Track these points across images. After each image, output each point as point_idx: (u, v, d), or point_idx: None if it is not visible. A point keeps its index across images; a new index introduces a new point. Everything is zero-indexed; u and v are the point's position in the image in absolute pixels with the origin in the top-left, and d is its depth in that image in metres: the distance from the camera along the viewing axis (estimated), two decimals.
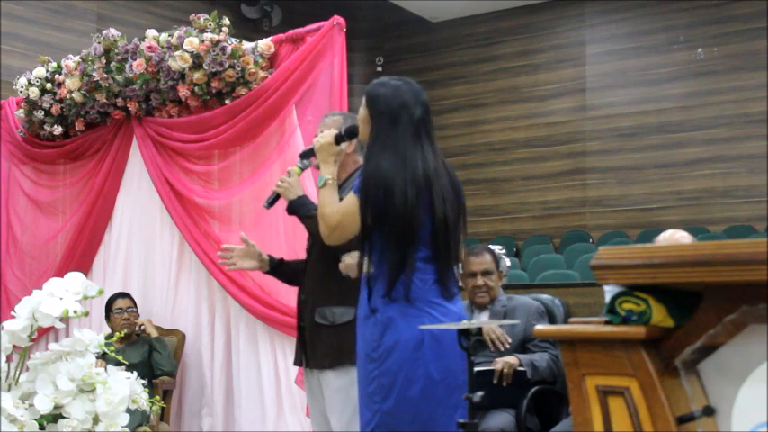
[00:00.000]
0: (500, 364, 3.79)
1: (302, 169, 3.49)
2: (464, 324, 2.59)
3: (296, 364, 3.62)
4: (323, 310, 3.39)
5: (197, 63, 4.77)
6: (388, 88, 2.90)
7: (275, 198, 3.48)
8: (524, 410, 3.82)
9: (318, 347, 3.41)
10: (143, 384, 2.83)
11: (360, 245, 2.85)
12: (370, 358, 2.79)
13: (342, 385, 3.35)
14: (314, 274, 3.47)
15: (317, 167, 3.27)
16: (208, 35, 4.77)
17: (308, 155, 3.33)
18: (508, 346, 3.81)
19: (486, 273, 4.09)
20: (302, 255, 4.12)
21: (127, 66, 5.06)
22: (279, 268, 3.69)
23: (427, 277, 2.79)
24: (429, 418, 2.77)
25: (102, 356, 3.33)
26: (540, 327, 1.55)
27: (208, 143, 4.92)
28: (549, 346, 3.98)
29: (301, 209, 3.42)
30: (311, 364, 3.47)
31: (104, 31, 5.27)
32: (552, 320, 4.17)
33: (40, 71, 5.48)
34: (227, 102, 4.83)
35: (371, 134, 2.87)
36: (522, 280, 8.13)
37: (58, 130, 5.47)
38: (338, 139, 3.06)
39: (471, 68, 11.59)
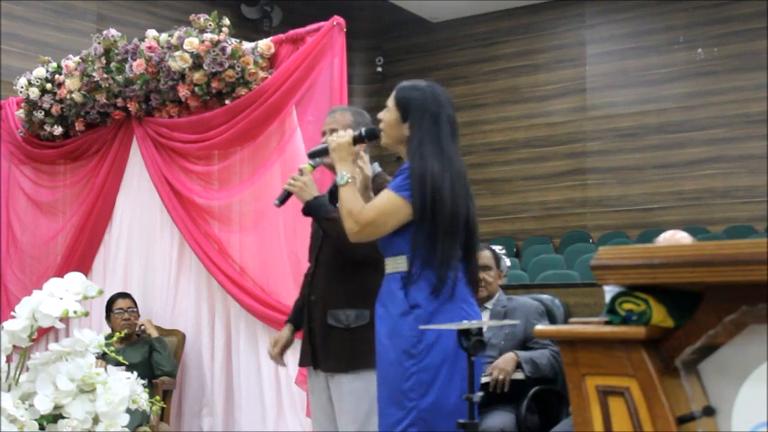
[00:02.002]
0: (496, 371, 3.80)
1: (314, 167, 3.40)
2: (464, 324, 2.59)
3: (302, 364, 3.57)
4: (335, 312, 3.35)
5: (197, 63, 4.77)
6: (423, 90, 2.94)
7: (287, 196, 3.39)
8: (524, 410, 3.82)
9: (331, 350, 3.36)
10: (143, 384, 2.83)
11: (401, 243, 2.86)
12: (408, 354, 2.78)
13: (355, 388, 3.31)
14: (325, 275, 3.42)
15: (328, 166, 3.26)
16: (208, 35, 4.77)
17: (319, 154, 3.25)
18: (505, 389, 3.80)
19: (484, 268, 4.11)
20: (302, 255, 4.13)
21: (127, 66, 5.06)
22: (299, 324, 3.62)
23: (462, 276, 2.87)
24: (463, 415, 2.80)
25: (103, 356, 3.33)
26: (540, 327, 1.55)
27: (208, 143, 4.92)
28: (550, 343, 3.99)
29: (320, 210, 3.33)
30: (321, 367, 3.42)
31: (104, 32, 5.27)
32: (552, 320, 4.17)
33: (40, 71, 5.48)
34: (227, 102, 4.82)
35: (413, 135, 2.88)
36: (522, 280, 8.13)
37: (58, 130, 5.47)
38: (356, 141, 3.01)
39: (471, 68, 11.58)
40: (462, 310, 2.83)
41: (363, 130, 3.06)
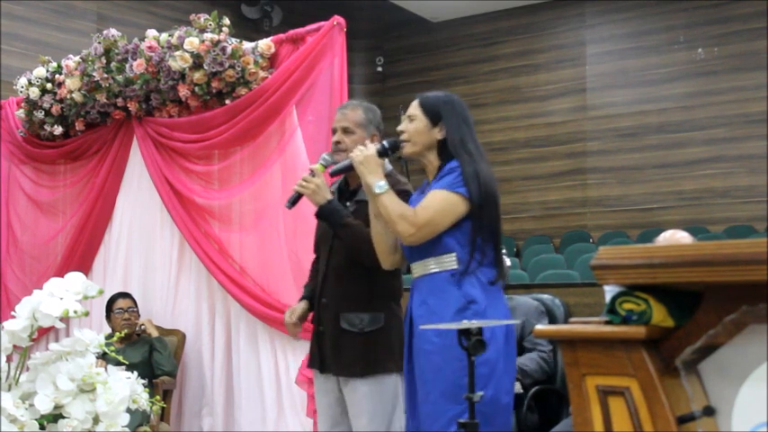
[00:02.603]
0: None
1: (325, 167, 3.36)
2: (464, 324, 2.59)
3: (311, 366, 3.53)
4: (349, 316, 3.32)
5: (197, 63, 4.77)
6: (445, 96, 3.07)
7: (298, 198, 3.33)
8: (524, 410, 3.82)
9: (345, 354, 3.32)
10: (143, 384, 2.83)
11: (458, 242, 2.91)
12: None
13: (370, 390, 3.29)
14: (338, 278, 3.37)
15: (338, 173, 3.22)
16: (208, 35, 4.76)
17: (343, 170, 3.20)
18: None
19: None
20: (302, 254, 4.13)
21: (127, 66, 5.06)
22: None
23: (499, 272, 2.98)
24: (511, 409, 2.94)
25: (103, 356, 3.33)
26: (540, 327, 1.55)
27: (208, 143, 4.92)
28: (540, 343, 3.99)
29: (334, 215, 3.29)
30: (333, 371, 3.37)
31: (104, 31, 5.27)
32: (552, 320, 4.17)
33: (41, 71, 5.48)
34: (227, 102, 4.82)
35: (451, 135, 2.97)
36: (522, 280, 8.13)
37: (58, 130, 5.47)
38: (381, 154, 3.04)
39: (471, 68, 11.59)
40: (505, 307, 2.98)
41: (386, 143, 3.08)
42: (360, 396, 3.30)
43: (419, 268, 2.99)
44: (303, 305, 3.57)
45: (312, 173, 3.30)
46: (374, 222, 3.09)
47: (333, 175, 3.27)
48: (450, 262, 2.90)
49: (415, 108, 3.04)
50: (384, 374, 3.29)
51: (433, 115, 3.00)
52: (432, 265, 2.94)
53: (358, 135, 3.38)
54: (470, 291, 2.86)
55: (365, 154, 3.01)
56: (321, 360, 3.41)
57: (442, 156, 2.99)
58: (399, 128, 3.06)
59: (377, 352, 3.28)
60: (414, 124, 3.02)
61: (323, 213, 3.29)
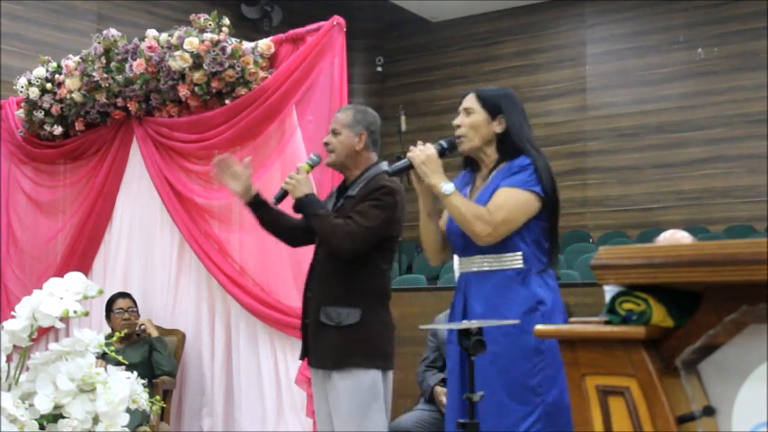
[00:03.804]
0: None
1: (312, 166, 3.50)
2: (464, 324, 2.59)
3: (301, 358, 3.64)
4: (328, 309, 3.39)
5: (197, 63, 4.77)
6: (503, 88, 3.04)
7: (283, 194, 3.50)
8: None
9: (321, 347, 3.41)
10: (143, 384, 2.83)
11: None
12: (537, 351, 2.79)
13: (347, 387, 3.35)
14: (321, 272, 3.46)
15: (396, 173, 3.09)
16: (208, 35, 4.76)
17: (402, 170, 3.04)
18: None
19: None
20: (302, 254, 4.13)
21: (127, 66, 5.06)
22: (260, 207, 3.63)
23: None
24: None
25: (103, 356, 3.33)
26: (540, 327, 1.55)
27: (208, 143, 4.92)
28: None
29: (308, 207, 3.41)
30: (313, 363, 3.49)
31: (104, 31, 5.27)
32: None
33: (40, 71, 5.48)
34: (227, 102, 4.82)
35: (513, 129, 2.92)
36: None
37: (57, 130, 5.47)
38: (441, 154, 2.97)
39: (471, 68, 11.58)
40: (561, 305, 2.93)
41: (445, 142, 3.00)
42: (337, 393, 3.37)
43: (474, 264, 2.91)
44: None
45: (298, 171, 3.47)
46: (426, 221, 3.03)
47: (391, 175, 3.18)
48: (515, 260, 2.85)
49: (472, 101, 2.98)
50: (358, 370, 3.34)
51: (493, 108, 2.94)
52: (493, 262, 2.87)
53: (344, 135, 3.48)
54: (538, 291, 2.83)
55: (426, 154, 2.94)
56: (307, 352, 3.52)
57: (500, 149, 2.94)
58: (455, 121, 2.99)
59: (351, 347, 3.34)
60: (471, 118, 2.95)
61: (299, 205, 3.44)
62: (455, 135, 2.98)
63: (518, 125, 2.93)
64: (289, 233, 3.68)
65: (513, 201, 2.84)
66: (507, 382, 2.80)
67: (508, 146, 2.92)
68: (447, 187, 2.89)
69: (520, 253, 2.85)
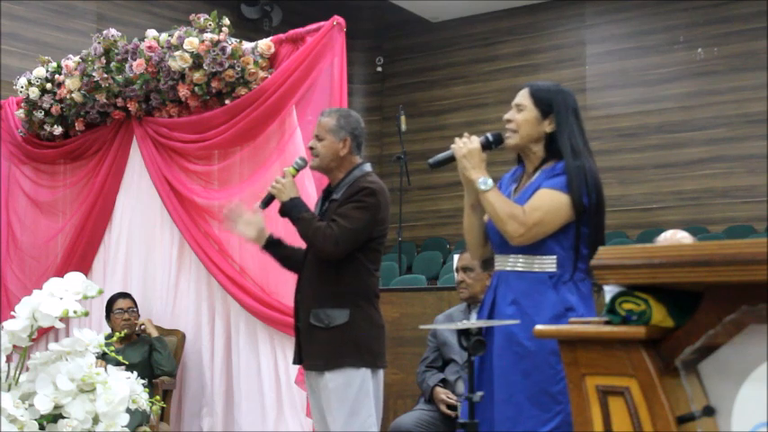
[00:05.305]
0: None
1: (297, 170, 3.55)
2: (464, 324, 2.59)
3: (294, 362, 3.68)
4: (317, 311, 3.44)
5: (197, 63, 4.77)
6: (557, 87, 2.92)
7: (270, 199, 3.53)
8: None
9: (313, 349, 3.46)
10: (143, 384, 2.83)
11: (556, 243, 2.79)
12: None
13: (337, 386, 3.39)
14: (310, 275, 3.51)
15: (438, 164, 3.00)
16: (208, 35, 4.77)
17: (444, 161, 2.98)
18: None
19: (465, 269, 4.24)
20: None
21: (127, 66, 5.06)
22: (275, 247, 3.69)
23: None
24: None
25: (102, 356, 3.33)
26: (540, 327, 1.55)
27: (208, 143, 4.92)
28: None
29: (293, 210, 3.45)
30: (305, 365, 3.54)
31: (104, 31, 5.27)
32: None
33: (40, 71, 5.47)
34: (227, 102, 4.82)
35: (561, 130, 2.83)
36: None
37: (57, 130, 5.47)
38: (485, 147, 2.89)
39: (471, 68, 11.58)
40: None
41: (491, 135, 2.92)
42: (328, 392, 3.41)
43: (509, 262, 2.84)
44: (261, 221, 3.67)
45: (284, 175, 3.51)
46: (469, 213, 2.94)
47: (433, 166, 3.07)
48: (548, 264, 2.77)
49: (524, 97, 2.90)
50: (348, 369, 3.38)
51: (545, 106, 2.85)
52: (526, 263, 2.80)
53: (328, 140, 3.51)
54: (569, 297, 2.74)
55: (469, 147, 2.86)
56: (300, 356, 3.56)
57: (548, 149, 2.85)
58: (506, 116, 2.91)
59: (341, 347, 3.38)
60: (523, 114, 2.87)
61: (284, 209, 3.49)
62: (505, 129, 2.91)
63: (566, 126, 2.83)
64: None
65: (548, 203, 2.76)
66: (529, 386, 2.74)
67: (555, 146, 2.84)
68: (484, 182, 2.81)
69: (554, 257, 2.76)
